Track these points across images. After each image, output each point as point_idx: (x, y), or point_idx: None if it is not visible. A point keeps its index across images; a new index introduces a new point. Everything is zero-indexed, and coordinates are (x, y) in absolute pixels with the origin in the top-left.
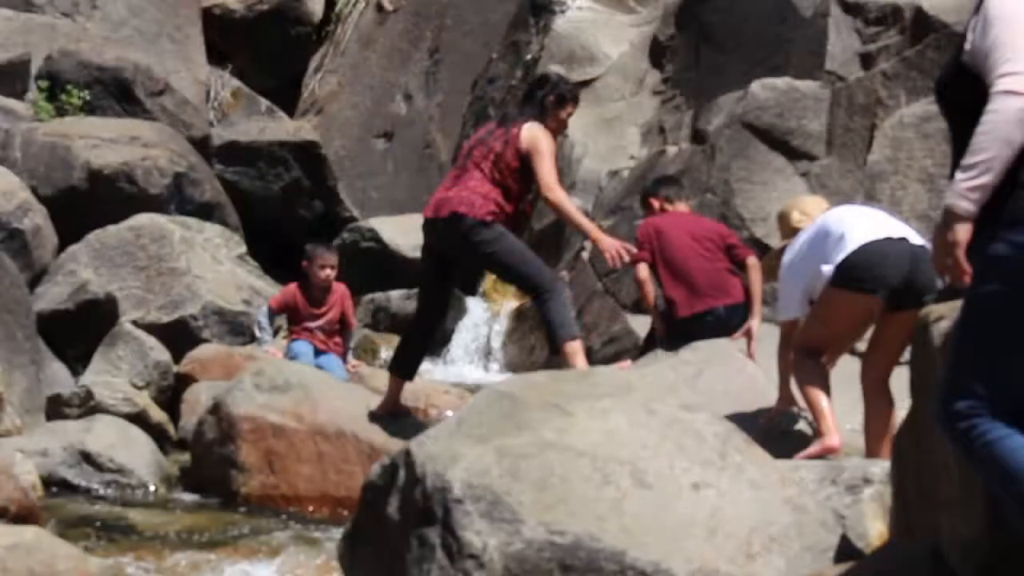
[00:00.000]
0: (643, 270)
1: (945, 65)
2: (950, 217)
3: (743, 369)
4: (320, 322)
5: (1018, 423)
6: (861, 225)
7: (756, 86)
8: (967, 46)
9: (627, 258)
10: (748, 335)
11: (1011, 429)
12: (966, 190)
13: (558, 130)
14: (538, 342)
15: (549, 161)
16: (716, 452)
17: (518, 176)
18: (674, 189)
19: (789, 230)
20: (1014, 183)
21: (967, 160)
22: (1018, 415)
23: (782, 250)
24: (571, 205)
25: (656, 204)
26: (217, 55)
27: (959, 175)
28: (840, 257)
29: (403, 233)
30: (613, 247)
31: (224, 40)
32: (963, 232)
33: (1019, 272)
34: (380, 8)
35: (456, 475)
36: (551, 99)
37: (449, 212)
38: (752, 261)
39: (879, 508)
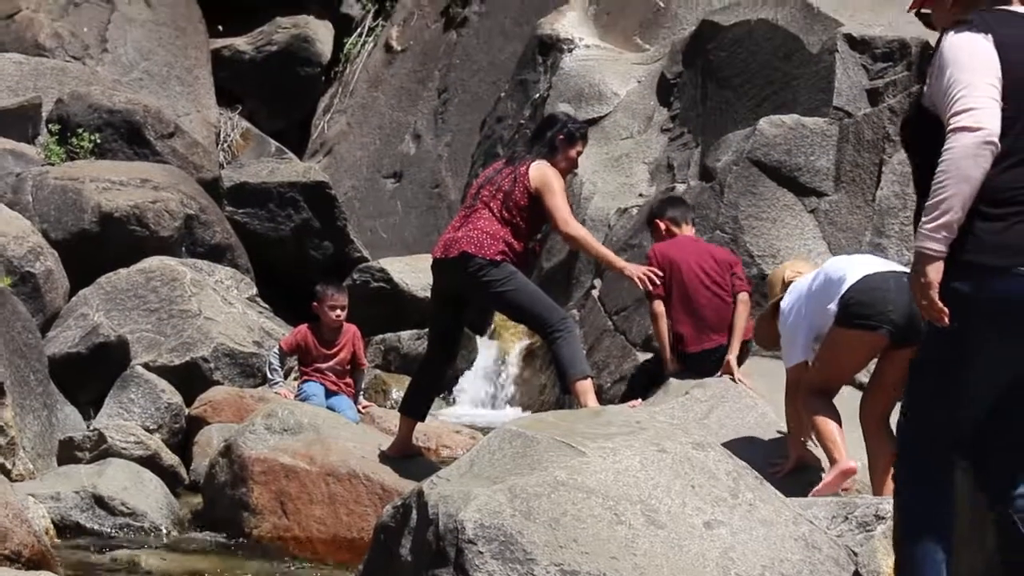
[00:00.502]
0: (659, 305)
1: (907, 110)
2: (921, 259)
3: (754, 406)
4: (331, 363)
5: (955, 454)
6: (859, 264)
7: (764, 123)
8: (925, 89)
9: (656, 282)
10: (728, 371)
11: (937, 466)
12: (932, 230)
13: (568, 169)
14: (549, 381)
15: (561, 197)
16: (728, 490)
17: (527, 215)
18: (680, 211)
19: (782, 287)
20: (966, 230)
21: (930, 201)
22: (957, 446)
23: (774, 308)
24: (591, 237)
25: (662, 226)
26: (227, 96)
27: (924, 217)
28: (842, 292)
29: (413, 273)
30: (639, 272)
31: (233, 82)
32: (934, 272)
33: (963, 314)
34: (388, 48)
35: (468, 515)
36: (560, 137)
37: (458, 252)
38: (743, 297)
39: (891, 545)
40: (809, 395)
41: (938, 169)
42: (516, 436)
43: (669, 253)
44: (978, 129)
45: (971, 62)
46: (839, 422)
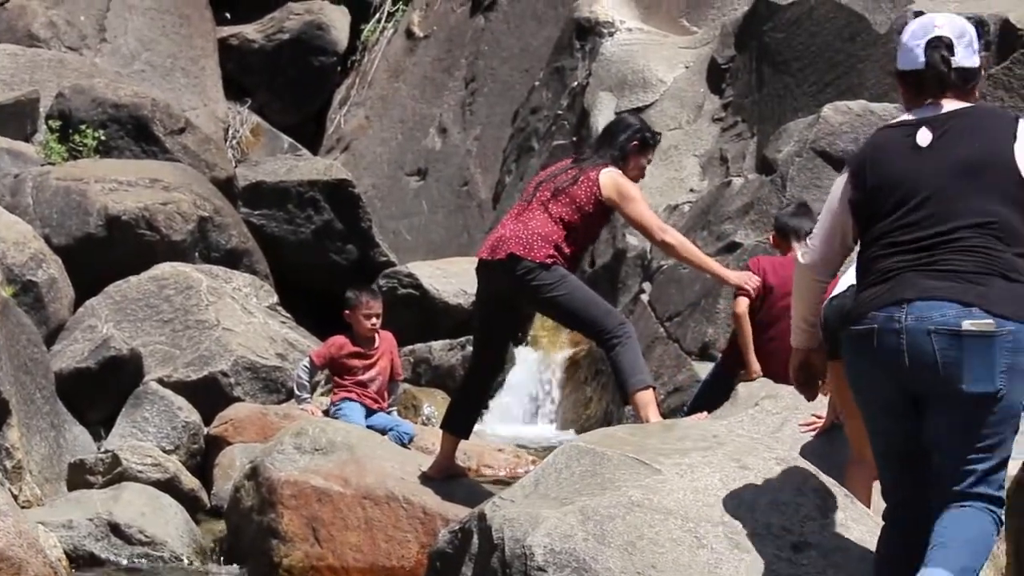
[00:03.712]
0: (743, 303)
1: None
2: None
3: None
4: (372, 373)
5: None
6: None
7: (829, 109)
8: None
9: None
10: None
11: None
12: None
13: (637, 177)
14: (595, 393)
15: (645, 205)
16: (817, 509)
17: (589, 221)
18: (796, 224)
19: None
20: None
21: None
22: None
23: None
24: (692, 245)
25: (775, 241)
26: (235, 89)
27: None
28: None
29: (445, 278)
30: (743, 279)
31: (242, 73)
32: (794, 361)
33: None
34: (410, 35)
35: (537, 540)
36: (634, 144)
37: (506, 254)
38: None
39: (990, 568)
40: None
41: None
42: (584, 453)
43: (767, 274)
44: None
45: (828, 200)
46: None
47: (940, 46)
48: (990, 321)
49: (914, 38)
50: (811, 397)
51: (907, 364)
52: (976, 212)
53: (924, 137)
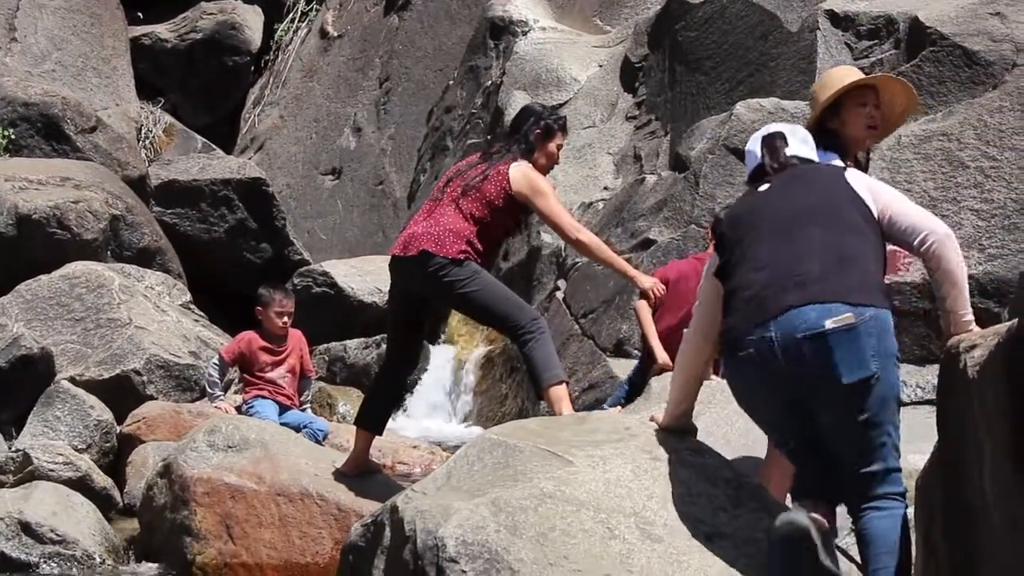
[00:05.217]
0: (642, 302)
1: None
2: None
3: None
4: (281, 370)
5: None
6: None
7: (741, 107)
8: None
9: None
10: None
11: None
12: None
13: (549, 165)
14: (510, 391)
15: (555, 200)
16: (729, 500)
17: (499, 216)
18: None
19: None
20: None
21: None
22: None
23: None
24: (603, 244)
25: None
26: (148, 89)
27: None
28: None
29: (359, 276)
30: (649, 284)
31: (155, 73)
32: None
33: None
34: (324, 34)
35: (449, 531)
36: (537, 132)
37: (418, 250)
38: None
39: None
40: None
41: None
42: (496, 445)
43: (672, 280)
44: (686, 333)
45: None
46: None
47: (774, 138)
48: (849, 314)
49: (751, 144)
50: None
51: (789, 372)
52: (822, 211)
53: (763, 187)
